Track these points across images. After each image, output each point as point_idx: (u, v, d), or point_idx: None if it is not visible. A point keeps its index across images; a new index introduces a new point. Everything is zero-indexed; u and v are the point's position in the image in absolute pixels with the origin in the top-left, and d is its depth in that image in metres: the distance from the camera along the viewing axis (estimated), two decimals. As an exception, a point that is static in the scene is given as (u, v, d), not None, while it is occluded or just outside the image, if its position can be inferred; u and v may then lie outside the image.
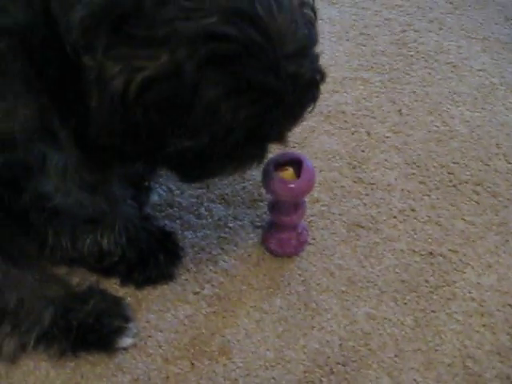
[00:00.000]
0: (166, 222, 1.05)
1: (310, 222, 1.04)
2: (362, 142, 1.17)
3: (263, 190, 1.07)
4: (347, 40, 1.39)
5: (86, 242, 0.88)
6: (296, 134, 1.17)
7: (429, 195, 1.09)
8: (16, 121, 0.68)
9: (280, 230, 0.97)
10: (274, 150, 0.90)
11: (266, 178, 0.89)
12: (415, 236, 1.03)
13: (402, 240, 1.03)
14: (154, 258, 0.95)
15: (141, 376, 0.88)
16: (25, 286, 0.87)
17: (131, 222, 0.93)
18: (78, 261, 0.93)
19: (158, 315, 0.94)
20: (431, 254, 1.01)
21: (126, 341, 0.90)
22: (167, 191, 1.09)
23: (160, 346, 0.91)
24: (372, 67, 1.33)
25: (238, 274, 0.98)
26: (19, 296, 0.86)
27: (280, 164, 0.90)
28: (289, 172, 0.90)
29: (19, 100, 0.68)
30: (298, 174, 0.89)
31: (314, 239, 1.02)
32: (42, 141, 0.71)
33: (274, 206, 0.95)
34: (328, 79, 1.24)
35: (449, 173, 1.12)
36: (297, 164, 0.90)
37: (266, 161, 0.85)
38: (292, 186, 0.88)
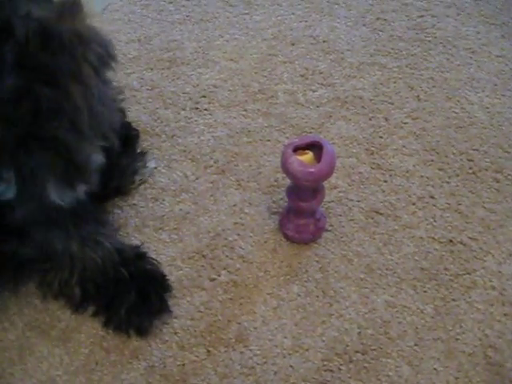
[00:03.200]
0: (181, 206, 1.03)
1: (327, 209, 1.02)
2: (380, 128, 1.15)
3: (279, 176, 1.06)
4: (364, 25, 1.37)
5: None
6: (313, 119, 1.15)
7: (448, 182, 1.07)
8: None
9: (298, 215, 0.95)
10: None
11: (286, 161, 0.87)
12: (435, 223, 1.01)
13: (422, 227, 1.01)
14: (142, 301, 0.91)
15: (156, 363, 0.87)
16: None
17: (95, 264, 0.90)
18: None
19: (174, 302, 0.92)
20: (451, 241, 0.99)
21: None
22: (182, 176, 1.07)
23: (176, 333, 0.90)
24: (389, 52, 1.30)
25: (255, 260, 0.97)
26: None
27: (299, 148, 0.88)
28: (309, 156, 0.88)
29: None
30: (317, 157, 0.87)
31: (331, 226, 1.00)
32: None
33: (293, 191, 0.93)
34: (344, 64, 1.24)
35: (468, 160, 1.10)
36: (317, 148, 0.88)
37: (284, 144, 0.83)
38: (312, 170, 0.86)
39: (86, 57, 0.73)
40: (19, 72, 0.65)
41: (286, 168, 0.87)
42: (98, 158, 0.80)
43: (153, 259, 0.94)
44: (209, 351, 0.88)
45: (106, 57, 0.77)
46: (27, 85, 0.66)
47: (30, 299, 0.95)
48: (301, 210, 0.94)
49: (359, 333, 0.89)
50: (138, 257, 0.93)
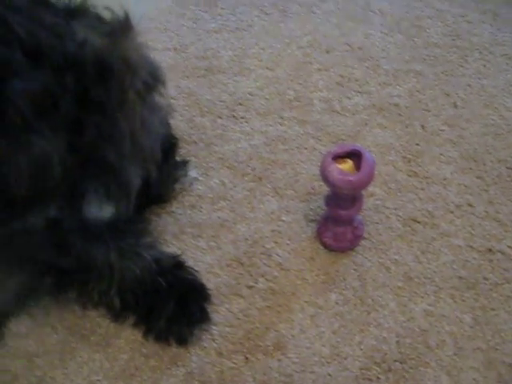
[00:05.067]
0: (219, 214, 1.04)
1: (364, 217, 1.02)
2: (417, 136, 1.15)
3: (316, 183, 1.06)
4: (399, 32, 1.37)
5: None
6: (349, 126, 1.15)
7: (486, 190, 1.06)
8: None
9: (336, 223, 0.95)
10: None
11: (325, 170, 0.87)
12: (473, 232, 1.01)
13: (460, 236, 1.00)
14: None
15: (195, 370, 0.88)
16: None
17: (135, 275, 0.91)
18: None
19: (212, 309, 0.93)
20: (490, 250, 0.98)
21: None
22: (219, 184, 1.08)
23: (214, 340, 0.90)
24: (425, 59, 1.30)
25: (292, 268, 0.97)
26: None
27: (339, 156, 0.89)
28: (348, 164, 0.88)
29: None
30: (357, 166, 0.88)
31: (369, 234, 1.00)
32: None
33: (332, 199, 0.93)
34: (380, 71, 1.24)
35: (507, 167, 1.09)
36: (356, 156, 0.88)
37: (324, 153, 0.83)
38: (351, 178, 0.86)
39: (133, 84, 0.74)
40: (78, 101, 0.67)
41: (325, 176, 0.87)
42: (137, 181, 0.82)
43: (191, 268, 0.94)
44: (247, 358, 0.88)
45: (153, 83, 0.79)
46: (85, 113, 0.68)
47: (71, 305, 0.96)
48: (339, 218, 0.94)
49: (397, 342, 0.89)
50: (176, 266, 0.94)
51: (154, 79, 0.80)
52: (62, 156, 0.65)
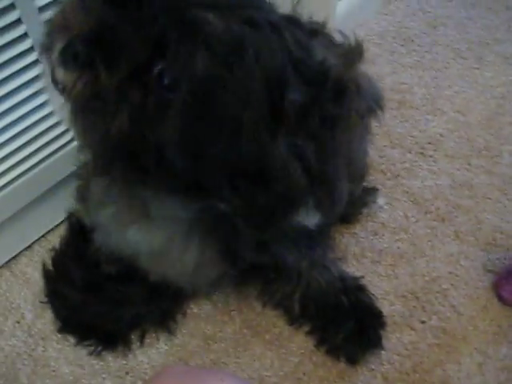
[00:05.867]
0: (399, 244, 1.08)
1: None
2: None
3: (498, 235, 1.08)
4: None
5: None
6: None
7: None
8: None
9: (518, 280, 0.97)
10: None
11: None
12: None
13: None
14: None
15: (360, 388, 0.92)
16: None
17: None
18: None
19: (384, 334, 0.97)
20: None
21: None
22: (403, 216, 1.12)
23: (382, 364, 0.95)
24: None
25: (466, 312, 0.99)
26: None
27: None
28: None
29: None
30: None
31: (547, 296, 1.01)
32: None
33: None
34: None
35: None
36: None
37: None
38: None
39: (358, 107, 0.79)
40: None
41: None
42: (346, 197, 0.87)
43: (371, 293, 0.99)
44: (411, 389, 0.92)
45: (374, 108, 0.83)
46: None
47: (250, 300, 1.03)
48: (524, 276, 0.96)
49: None
50: (358, 288, 0.99)
51: (376, 105, 0.84)
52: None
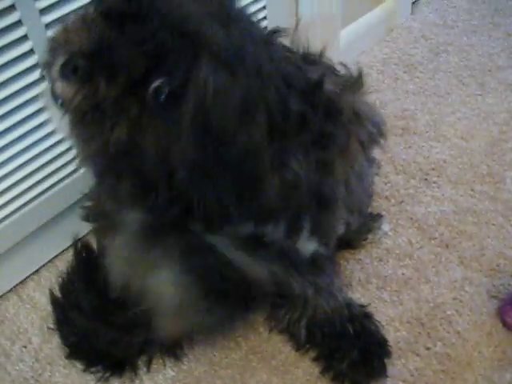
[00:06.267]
0: (404, 270, 1.08)
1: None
2: None
3: (502, 261, 1.09)
4: None
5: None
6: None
7: None
8: None
9: (524, 307, 0.98)
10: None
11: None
12: None
13: None
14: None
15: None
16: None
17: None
18: None
19: (388, 361, 0.97)
20: None
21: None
22: (407, 242, 1.13)
23: (387, 391, 0.95)
24: None
25: (470, 338, 1.00)
26: None
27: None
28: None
29: None
30: None
31: (551, 323, 1.01)
32: None
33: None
34: None
35: None
36: None
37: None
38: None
39: (358, 134, 0.80)
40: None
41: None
42: (342, 227, 0.88)
43: (377, 321, 0.99)
44: (417, 416, 0.92)
45: (376, 135, 0.84)
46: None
47: (256, 326, 1.04)
48: (529, 303, 0.97)
49: None
50: (364, 316, 0.99)
51: (378, 132, 0.85)
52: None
